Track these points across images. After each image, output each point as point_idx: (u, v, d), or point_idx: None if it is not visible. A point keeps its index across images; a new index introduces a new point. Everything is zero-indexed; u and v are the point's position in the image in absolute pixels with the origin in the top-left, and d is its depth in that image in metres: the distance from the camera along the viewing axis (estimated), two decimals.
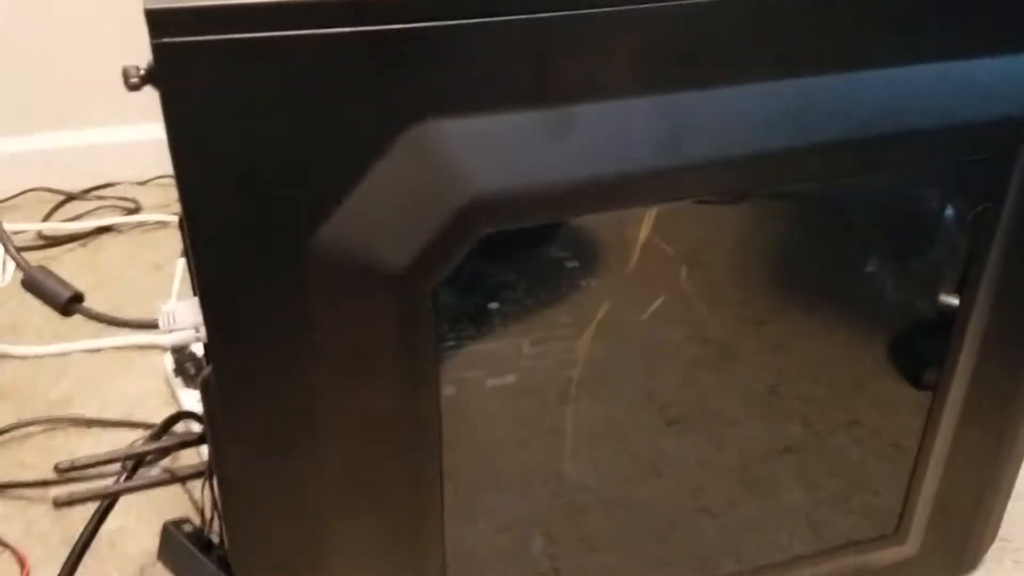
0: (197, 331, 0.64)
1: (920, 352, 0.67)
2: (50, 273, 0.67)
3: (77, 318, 0.73)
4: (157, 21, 0.41)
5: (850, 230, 0.63)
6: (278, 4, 0.42)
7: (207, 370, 0.50)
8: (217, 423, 0.51)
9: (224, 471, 0.52)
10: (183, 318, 0.64)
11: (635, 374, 0.62)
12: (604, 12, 0.47)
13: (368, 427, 0.53)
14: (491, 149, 0.49)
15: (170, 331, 0.64)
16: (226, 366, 0.49)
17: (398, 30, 0.44)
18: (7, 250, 0.68)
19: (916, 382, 0.67)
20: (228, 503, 0.53)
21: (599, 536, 0.66)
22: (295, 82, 0.44)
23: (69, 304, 0.65)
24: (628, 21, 0.48)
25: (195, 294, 0.56)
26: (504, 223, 0.50)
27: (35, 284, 0.66)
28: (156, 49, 0.41)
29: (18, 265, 0.67)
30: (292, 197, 0.47)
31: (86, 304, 0.69)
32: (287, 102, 0.44)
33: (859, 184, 0.60)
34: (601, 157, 0.51)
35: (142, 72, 0.42)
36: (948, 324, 0.64)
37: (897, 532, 0.71)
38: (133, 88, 0.41)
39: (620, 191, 0.52)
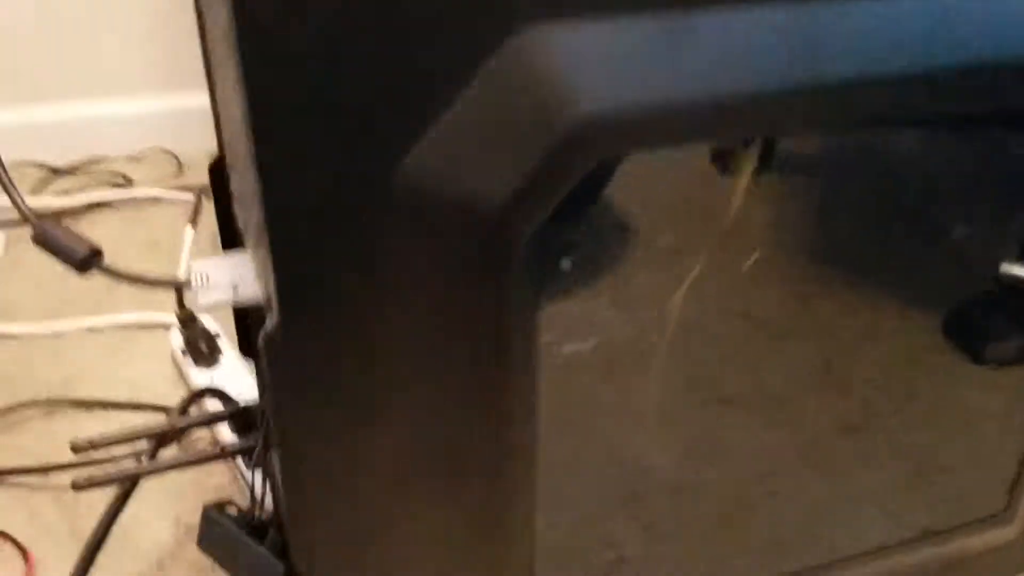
0: (236, 289, 0.57)
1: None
2: (61, 226, 0.59)
3: (81, 285, 0.64)
4: None
5: (926, 189, 0.56)
6: None
7: (271, 324, 0.42)
8: (282, 386, 0.43)
9: (287, 442, 0.45)
10: (218, 276, 0.57)
11: (729, 342, 0.55)
12: None
13: (452, 393, 0.46)
14: (602, 62, 0.42)
15: (204, 290, 0.56)
16: (296, 317, 0.42)
17: None
18: (15, 203, 0.60)
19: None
20: (290, 480, 0.46)
21: (692, 523, 0.59)
22: None
23: (87, 260, 0.57)
24: None
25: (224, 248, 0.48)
26: (617, 149, 0.43)
27: (47, 239, 0.58)
28: None
29: (27, 219, 0.59)
30: (375, 120, 0.40)
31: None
32: (371, 13, 0.37)
33: (943, 134, 0.54)
34: (725, 73, 0.44)
35: None
36: None
37: (1007, 510, 0.65)
38: None
39: (746, 113, 0.45)
